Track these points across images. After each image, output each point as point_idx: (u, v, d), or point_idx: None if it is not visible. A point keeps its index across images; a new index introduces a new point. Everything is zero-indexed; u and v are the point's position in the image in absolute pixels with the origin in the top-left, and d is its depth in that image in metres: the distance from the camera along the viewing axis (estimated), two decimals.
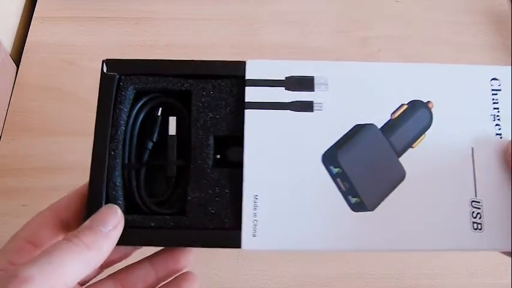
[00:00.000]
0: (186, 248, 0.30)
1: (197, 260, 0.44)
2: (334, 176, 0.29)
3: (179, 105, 0.31)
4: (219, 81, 0.31)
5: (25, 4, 0.59)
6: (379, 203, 0.28)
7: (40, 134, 0.50)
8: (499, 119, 0.30)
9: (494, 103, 0.30)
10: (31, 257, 0.24)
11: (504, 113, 0.30)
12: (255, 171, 0.29)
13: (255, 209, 0.28)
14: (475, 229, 0.28)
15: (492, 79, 0.30)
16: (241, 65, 0.30)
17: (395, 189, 0.29)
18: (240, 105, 0.30)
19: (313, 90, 0.30)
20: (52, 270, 0.23)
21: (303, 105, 0.30)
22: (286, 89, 0.30)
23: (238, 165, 0.29)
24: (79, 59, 0.55)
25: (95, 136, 0.29)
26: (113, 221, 0.26)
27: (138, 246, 0.30)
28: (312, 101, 0.30)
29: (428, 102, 0.30)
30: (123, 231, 0.27)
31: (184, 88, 0.31)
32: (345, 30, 0.58)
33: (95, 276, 0.30)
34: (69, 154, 0.48)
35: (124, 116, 0.30)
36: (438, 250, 0.28)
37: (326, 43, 0.57)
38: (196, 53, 0.55)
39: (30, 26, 0.57)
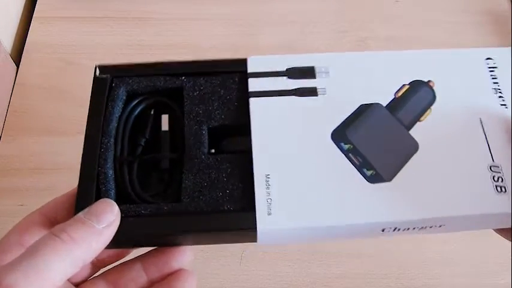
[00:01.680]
0: (180, 247, 0.28)
1: (197, 260, 0.45)
2: (345, 152, 0.29)
3: (171, 103, 0.31)
4: (211, 76, 0.31)
5: (25, 4, 0.59)
6: (395, 174, 0.28)
7: (40, 134, 0.50)
8: (500, 92, 0.30)
9: (493, 78, 0.31)
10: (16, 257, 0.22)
11: (505, 86, 0.31)
12: (264, 151, 0.28)
13: (267, 188, 0.27)
14: (499, 191, 0.28)
15: (486, 58, 0.32)
16: (240, 62, 0.31)
17: (411, 161, 0.29)
18: (233, 98, 0.30)
19: (315, 78, 0.30)
20: (37, 272, 0.21)
21: (307, 90, 0.30)
22: (288, 78, 0.30)
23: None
24: (79, 59, 0.55)
25: (86, 130, 0.29)
26: (108, 217, 0.24)
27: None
28: (316, 87, 0.30)
29: (429, 81, 0.31)
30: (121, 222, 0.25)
31: (176, 85, 0.31)
32: (345, 30, 0.58)
33: (90, 276, 0.29)
34: (68, 154, 0.48)
35: (116, 113, 0.30)
36: (465, 216, 0.28)
37: (326, 43, 0.57)
38: (196, 53, 0.55)
39: (30, 26, 0.57)
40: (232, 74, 0.31)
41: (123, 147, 0.30)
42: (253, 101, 0.30)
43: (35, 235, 0.26)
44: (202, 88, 0.31)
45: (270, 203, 0.27)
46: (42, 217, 0.27)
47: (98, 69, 0.31)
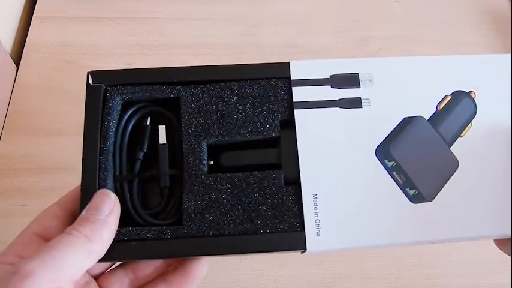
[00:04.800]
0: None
1: None
2: (389, 170, 0.29)
3: (168, 113, 0.30)
4: (208, 85, 0.30)
5: (25, 4, 0.59)
6: (437, 193, 0.28)
7: (40, 134, 0.50)
8: None
9: None
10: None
11: None
12: (310, 170, 0.28)
13: (315, 208, 0.28)
14: None
15: None
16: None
17: (450, 179, 0.29)
18: (233, 109, 0.30)
19: (359, 87, 0.30)
20: (53, 263, 0.23)
21: (352, 101, 0.30)
22: (332, 87, 0.30)
23: (232, 170, 0.29)
24: (79, 59, 0.54)
25: (83, 150, 0.28)
26: (107, 205, 0.26)
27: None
28: (360, 97, 0.30)
29: (470, 91, 0.30)
30: (118, 245, 0.26)
31: (172, 95, 0.30)
32: (345, 30, 0.58)
33: (109, 267, 0.30)
34: (68, 154, 0.48)
35: (113, 127, 0.29)
36: (503, 236, 0.28)
37: (326, 43, 0.57)
38: (196, 53, 0.55)
39: (30, 26, 0.57)
40: (228, 83, 0.30)
41: (122, 163, 0.29)
42: (298, 113, 0.29)
43: (55, 226, 0.27)
44: (200, 98, 0.30)
45: (318, 224, 0.27)
46: (61, 209, 0.28)
47: (90, 77, 0.30)
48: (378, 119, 0.29)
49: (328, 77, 0.30)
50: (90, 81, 0.29)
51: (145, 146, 0.30)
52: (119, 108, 0.30)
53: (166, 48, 0.56)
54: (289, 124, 0.30)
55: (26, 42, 0.55)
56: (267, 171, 0.29)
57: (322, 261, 0.45)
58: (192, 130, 0.29)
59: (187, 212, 0.28)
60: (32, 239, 0.26)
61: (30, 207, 0.46)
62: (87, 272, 0.28)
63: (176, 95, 0.30)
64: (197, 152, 0.29)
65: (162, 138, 0.30)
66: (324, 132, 0.29)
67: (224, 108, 0.30)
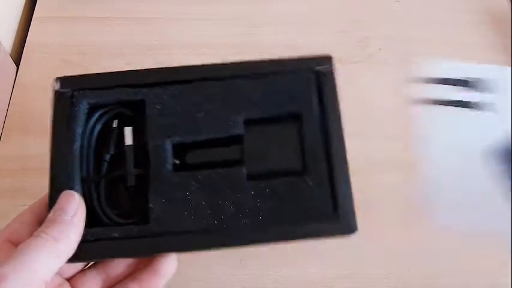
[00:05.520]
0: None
1: (197, 261, 0.45)
2: (504, 173, 0.29)
3: (134, 115, 0.31)
4: (173, 86, 0.30)
5: (25, 4, 0.59)
6: None
7: (40, 134, 0.50)
8: None
9: None
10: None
11: None
12: (431, 165, 0.28)
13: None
14: None
15: None
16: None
17: None
18: (195, 110, 0.30)
19: (484, 91, 0.30)
20: (24, 266, 0.23)
21: (476, 104, 0.31)
22: (463, 88, 0.30)
23: (198, 168, 0.29)
24: (79, 59, 0.54)
25: (51, 154, 0.29)
26: (72, 206, 0.27)
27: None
28: (483, 101, 0.31)
29: None
30: (86, 246, 0.27)
31: (138, 98, 0.30)
32: (345, 30, 0.58)
33: (82, 269, 0.30)
34: None
35: (79, 131, 0.30)
36: None
37: (326, 43, 0.57)
38: (196, 53, 0.55)
39: (30, 26, 0.57)
40: (196, 83, 0.31)
41: (89, 165, 0.30)
42: (422, 108, 0.29)
43: (26, 232, 0.27)
44: (165, 99, 0.30)
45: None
46: (31, 214, 0.28)
47: (58, 82, 0.30)
48: (499, 123, 0.30)
49: (457, 79, 0.31)
50: (57, 87, 0.30)
51: (112, 147, 0.30)
52: (85, 111, 0.30)
53: (166, 48, 0.56)
54: (252, 122, 0.30)
55: (26, 42, 0.55)
56: (229, 168, 0.29)
57: (322, 261, 0.45)
58: (155, 131, 0.30)
59: (153, 211, 0.28)
60: (3, 245, 0.27)
61: None
62: (60, 274, 0.28)
63: (141, 97, 0.30)
64: (161, 152, 0.29)
65: (128, 140, 0.31)
66: (446, 130, 0.29)
67: (188, 108, 0.30)
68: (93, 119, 0.30)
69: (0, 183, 0.47)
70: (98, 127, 0.31)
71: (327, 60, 0.31)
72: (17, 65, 0.54)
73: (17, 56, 0.55)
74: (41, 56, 0.55)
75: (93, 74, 0.31)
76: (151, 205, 0.28)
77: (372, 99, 0.52)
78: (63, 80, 0.30)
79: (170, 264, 0.29)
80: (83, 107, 0.30)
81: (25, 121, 0.51)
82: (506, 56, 0.56)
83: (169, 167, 0.29)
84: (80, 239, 0.26)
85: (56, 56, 0.55)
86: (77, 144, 0.29)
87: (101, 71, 0.31)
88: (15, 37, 0.56)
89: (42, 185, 0.48)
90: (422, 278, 0.44)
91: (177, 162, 0.30)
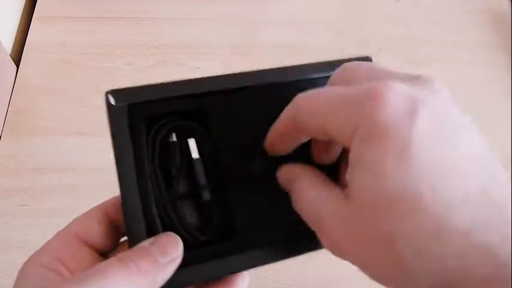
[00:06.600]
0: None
1: None
2: None
3: (195, 125, 0.29)
4: (231, 95, 0.29)
5: (25, 4, 0.59)
6: None
7: (40, 134, 0.50)
8: None
9: None
10: (77, 253, 0.23)
11: None
12: None
13: None
14: None
15: None
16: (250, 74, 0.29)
17: None
18: (258, 115, 0.28)
19: None
20: None
21: None
22: None
23: (272, 174, 0.27)
24: (79, 59, 0.55)
25: (119, 175, 0.26)
26: (173, 252, 0.24)
27: None
28: None
29: None
30: (181, 272, 0.25)
31: (199, 107, 0.28)
32: (345, 30, 0.58)
33: None
34: (69, 154, 0.48)
35: (143, 150, 0.27)
36: None
37: (326, 43, 0.57)
38: (196, 53, 0.55)
39: (30, 26, 0.57)
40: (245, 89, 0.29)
41: (159, 184, 0.27)
42: None
43: (95, 229, 0.26)
44: (227, 108, 0.28)
45: None
46: (102, 213, 0.27)
47: (111, 96, 0.27)
48: None
49: None
50: (113, 101, 0.27)
51: (178, 161, 0.28)
52: (144, 127, 0.28)
53: (165, 48, 0.56)
54: None
55: (26, 42, 0.56)
56: None
57: (323, 261, 0.45)
58: (225, 139, 0.28)
59: (238, 225, 0.27)
60: (71, 240, 0.25)
61: (30, 207, 0.46)
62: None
63: (202, 106, 0.28)
64: (236, 160, 0.28)
65: (194, 152, 0.28)
66: None
67: (252, 115, 0.29)
68: (152, 132, 0.28)
69: (0, 183, 0.47)
70: (158, 142, 0.28)
71: (367, 61, 0.30)
72: (17, 65, 0.54)
73: (17, 56, 0.55)
74: (41, 56, 0.55)
75: (147, 85, 0.28)
76: (235, 219, 0.27)
77: None
78: (117, 93, 0.27)
79: (244, 277, 0.27)
80: (142, 124, 0.28)
81: (25, 121, 0.51)
82: (506, 56, 0.56)
83: (245, 175, 0.28)
84: (162, 284, 0.24)
85: (56, 56, 0.55)
86: (144, 163, 0.27)
87: (100, 71, 0.30)
88: (15, 37, 0.56)
89: (42, 185, 0.48)
90: None
91: (254, 170, 0.28)
